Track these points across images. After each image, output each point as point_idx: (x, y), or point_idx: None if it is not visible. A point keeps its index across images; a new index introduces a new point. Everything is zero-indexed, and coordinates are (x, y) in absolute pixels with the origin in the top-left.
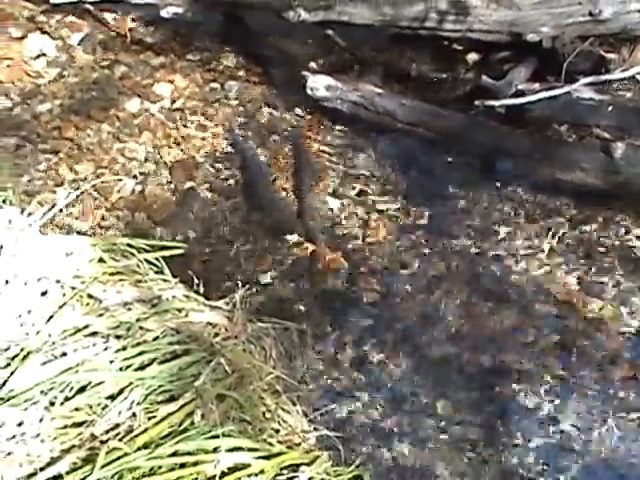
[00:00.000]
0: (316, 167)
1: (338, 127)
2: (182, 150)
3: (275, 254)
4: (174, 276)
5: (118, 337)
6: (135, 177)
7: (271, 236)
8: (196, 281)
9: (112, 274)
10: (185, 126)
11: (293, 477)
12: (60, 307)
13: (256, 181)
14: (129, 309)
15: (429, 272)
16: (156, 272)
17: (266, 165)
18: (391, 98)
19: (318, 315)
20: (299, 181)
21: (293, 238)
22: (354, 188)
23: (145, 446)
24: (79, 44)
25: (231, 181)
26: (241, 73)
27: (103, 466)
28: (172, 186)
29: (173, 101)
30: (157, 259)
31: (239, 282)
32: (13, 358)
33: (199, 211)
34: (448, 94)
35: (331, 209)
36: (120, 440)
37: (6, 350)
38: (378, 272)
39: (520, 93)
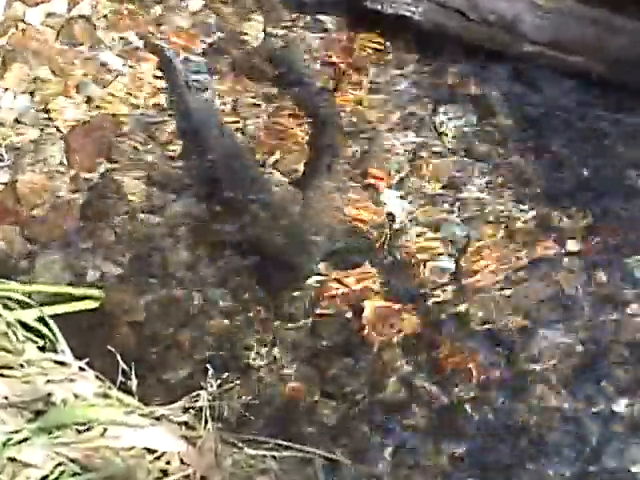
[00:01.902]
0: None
1: (402, 59)
2: (89, 102)
3: (272, 310)
4: (78, 356)
5: None
6: None
7: (261, 273)
8: (123, 365)
9: None
10: (93, 52)
11: None
12: None
13: (230, 166)
14: None
15: None
16: (42, 347)
17: (248, 138)
18: None
19: (357, 430)
20: (318, 168)
21: (306, 277)
22: (436, 180)
23: None
24: None
25: (180, 162)
26: None
27: None
28: (71, 173)
29: (72, 3)
30: (44, 321)
31: (208, 367)
32: None
33: (123, 221)
34: None
35: (390, 217)
36: None
37: None
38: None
39: None
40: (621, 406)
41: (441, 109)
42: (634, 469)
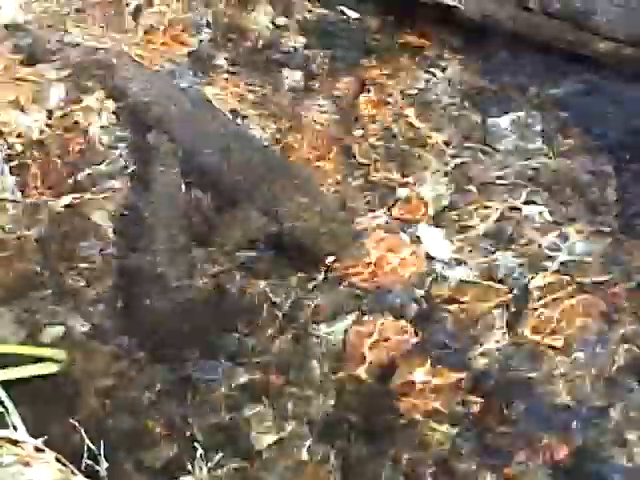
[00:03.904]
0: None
1: (447, 55)
2: (62, 113)
3: (293, 363)
4: (35, 434)
5: None
6: None
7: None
8: (89, 445)
9: None
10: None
11: None
12: None
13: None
14: None
15: None
16: None
17: (268, 138)
18: None
19: None
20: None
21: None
22: (490, 209)
23: None
24: None
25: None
26: None
27: None
28: (27, 202)
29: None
30: None
31: (196, 447)
32: None
33: (99, 260)
34: None
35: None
36: None
37: None
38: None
39: None
40: None
41: (493, 121)
42: None
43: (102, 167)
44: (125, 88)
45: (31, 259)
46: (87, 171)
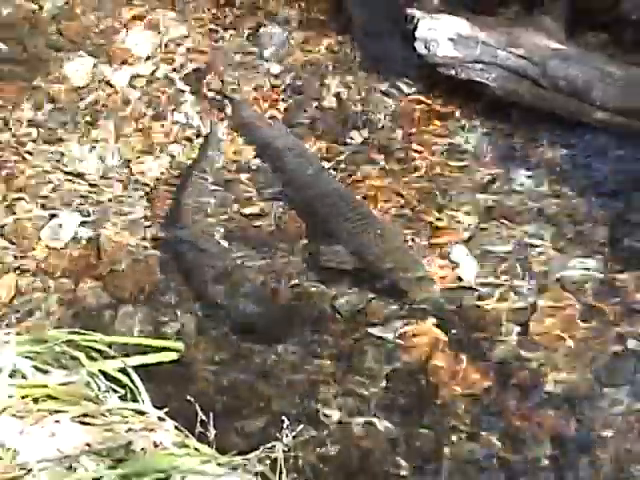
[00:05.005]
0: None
1: (474, 122)
2: (172, 160)
3: (354, 356)
4: (158, 406)
5: None
6: (81, 211)
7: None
8: (201, 416)
9: (38, 400)
10: (175, 111)
11: None
12: None
13: (326, 215)
14: (70, 469)
15: None
16: (123, 397)
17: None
18: (583, 62)
19: None
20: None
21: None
22: (509, 237)
23: None
24: None
25: (267, 220)
26: (287, 11)
27: None
28: (152, 229)
29: (156, 65)
30: (125, 371)
31: (284, 419)
32: None
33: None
34: None
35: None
36: None
37: None
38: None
39: None
40: None
41: (513, 172)
42: None
43: None
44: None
45: (156, 272)
46: None
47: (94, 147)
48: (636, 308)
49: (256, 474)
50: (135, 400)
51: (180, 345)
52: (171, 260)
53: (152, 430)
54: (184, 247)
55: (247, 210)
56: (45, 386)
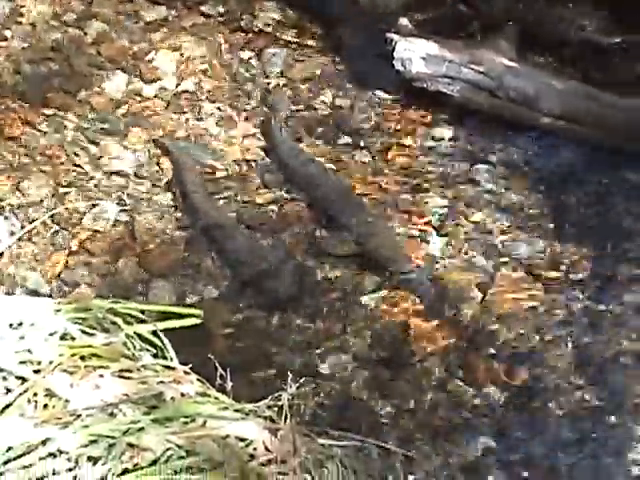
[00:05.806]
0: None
1: (443, 126)
2: None
3: (346, 320)
4: (183, 362)
5: (94, 460)
6: (119, 201)
7: (340, 288)
8: (219, 370)
9: (84, 358)
10: (199, 119)
11: None
12: (1, 412)
13: (327, 207)
14: (111, 415)
15: None
16: (155, 355)
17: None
18: (531, 76)
19: (414, 429)
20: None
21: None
22: (472, 222)
23: None
24: None
25: (273, 206)
26: (288, 35)
27: None
28: (178, 215)
29: (179, 80)
30: (156, 333)
31: (288, 373)
32: None
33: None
34: (626, 72)
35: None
36: None
37: None
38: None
39: None
40: None
41: (475, 168)
42: None
43: None
44: None
45: (181, 250)
46: None
47: (128, 148)
48: (575, 278)
49: (265, 418)
50: (164, 358)
51: (200, 312)
52: (195, 242)
53: (179, 382)
54: (213, 231)
55: (259, 199)
56: (90, 346)
